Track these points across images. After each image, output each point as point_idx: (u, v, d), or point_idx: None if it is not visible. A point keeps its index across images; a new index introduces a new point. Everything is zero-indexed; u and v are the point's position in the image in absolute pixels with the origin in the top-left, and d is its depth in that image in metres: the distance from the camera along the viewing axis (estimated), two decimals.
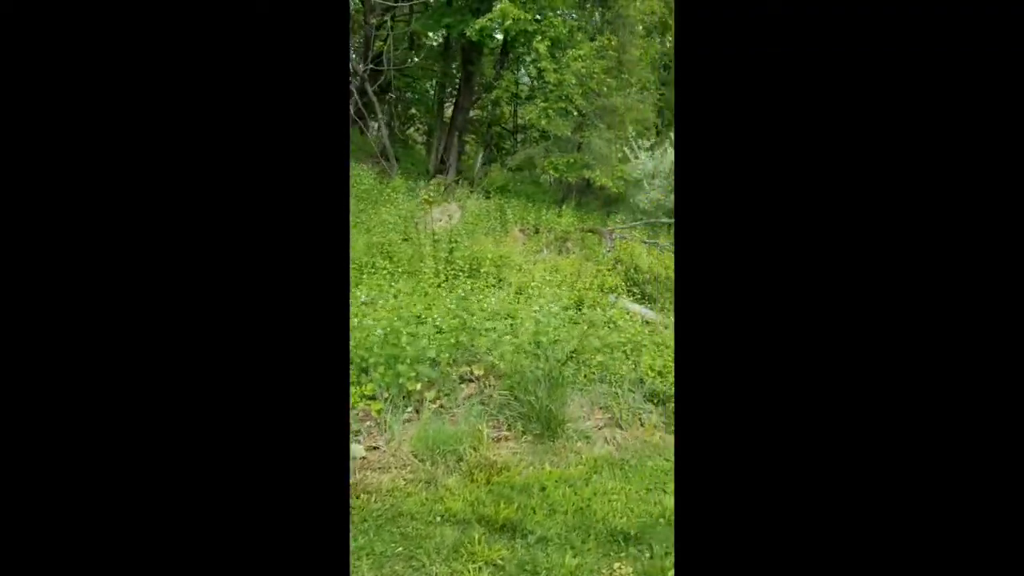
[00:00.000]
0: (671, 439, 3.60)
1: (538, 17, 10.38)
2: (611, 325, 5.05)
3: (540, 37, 9.95)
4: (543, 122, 10.12)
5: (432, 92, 15.59)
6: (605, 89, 10.87)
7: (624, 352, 4.42)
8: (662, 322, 5.58)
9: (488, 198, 12.13)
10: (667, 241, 8.87)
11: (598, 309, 5.96)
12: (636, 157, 10.66)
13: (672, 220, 9.54)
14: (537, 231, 10.11)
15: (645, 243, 8.64)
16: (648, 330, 5.03)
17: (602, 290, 6.35)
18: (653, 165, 10.45)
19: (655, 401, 3.93)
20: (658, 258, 7.75)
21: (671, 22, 15.72)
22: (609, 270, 6.83)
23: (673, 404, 3.83)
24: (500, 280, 6.57)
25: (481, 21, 10.29)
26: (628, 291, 6.41)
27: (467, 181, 12.71)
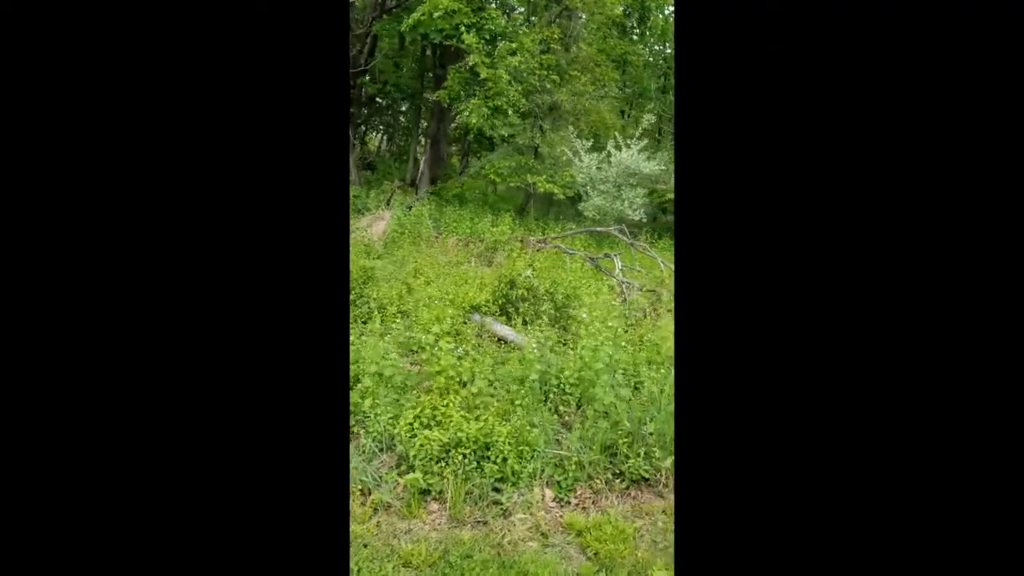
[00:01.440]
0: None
1: (480, 7, 9.70)
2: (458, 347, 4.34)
3: (471, 31, 9.26)
4: (475, 120, 9.40)
5: (410, 101, 15.00)
6: (549, 86, 10.12)
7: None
8: (520, 343, 4.82)
9: (444, 205, 11.54)
10: (610, 252, 8.07)
11: (468, 328, 5.22)
12: (580, 161, 9.87)
13: (612, 228, 8.74)
14: (468, 243, 9.46)
15: (567, 253, 7.85)
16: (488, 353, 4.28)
17: (475, 309, 5.61)
18: (597, 170, 9.64)
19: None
20: (568, 271, 6.96)
21: (633, 21, 14.92)
22: (502, 285, 6.08)
23: None
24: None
25: (415, 15, 9.66)
26: (505, 308, 5.66)
27: (429, 188, 12.10)
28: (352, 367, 4.10)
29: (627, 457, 3.40)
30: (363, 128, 17.49)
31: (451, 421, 3.43)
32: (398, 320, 5.20)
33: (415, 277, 7.36)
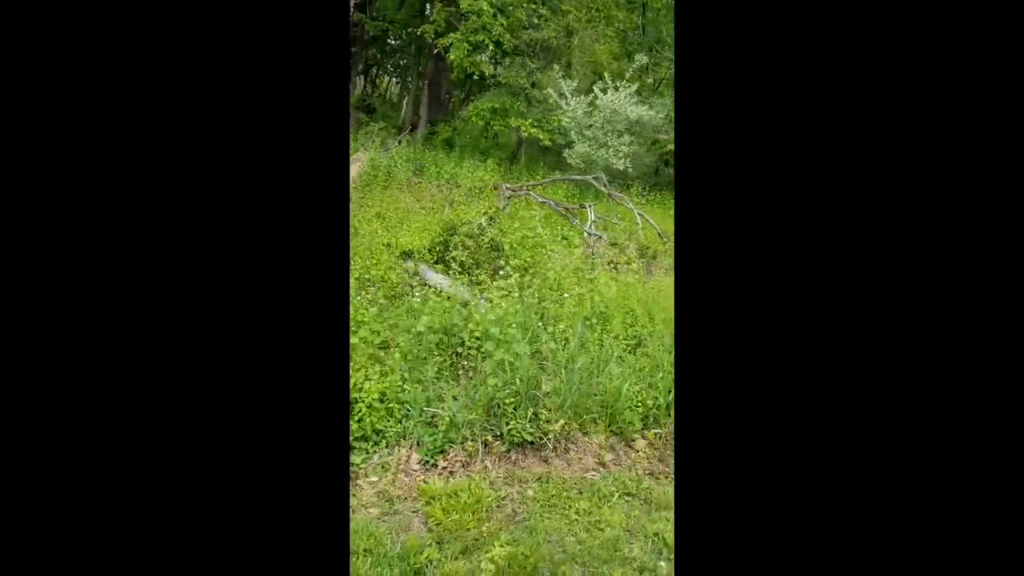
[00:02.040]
0: None
1: None
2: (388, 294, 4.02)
3: None
4: (454, 57, 8.79)
5: (409, 40, 14.27)
6: (538, 22, 9.37)
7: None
8: (448, 292, 4.47)
9: (433, 150, 11.08)
10: (590, 203, 7.57)
11: (393, 274, 4.90)
12: (567, 104, 9.20)
13: (590, 176, 8.18)
14: (447, 189, 9.03)
15: (540, 201, 7.37)
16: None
17: (408, 255, 5.25)
18: (584, 115, 8.98)
19: None
20: (534, 220, 6.51)
21: None
22: (444, 231, 5.69)
23: None
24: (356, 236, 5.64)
25: None
26: (443, 256, 5.28)
27: (425, 131, 11.60)
28: None
29: (511, 418, 3.07)
30: (365, 69, 16.89)
31: None
32: None
33: (376, 220, 7.05)
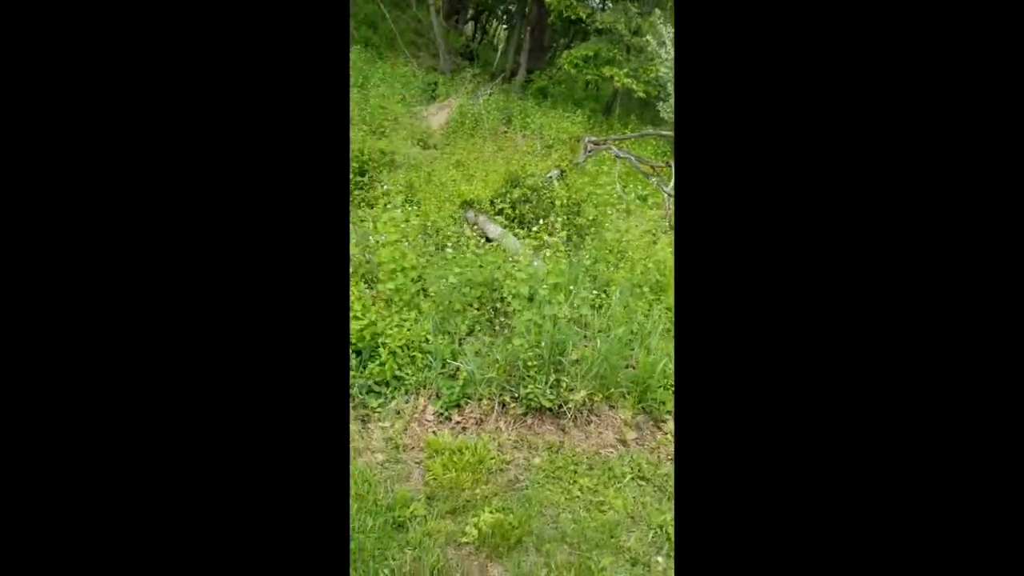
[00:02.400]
0: None
1: None
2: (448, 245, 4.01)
3: None
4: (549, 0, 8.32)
5: None
6: None
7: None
8: (501, 245, 4.36)
9: (527, 99, 10.81)
10: (667, 161, 7.06)
11: (453, 223, 4.86)
12: (667, 53, 8.46)
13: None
14: (534, 139, 8.77)
15: (620, 156, 6.95)
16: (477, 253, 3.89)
17: (469, 204, 5.15)
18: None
19: None
20: (611, 176, 6.15)
21: None
22: (507, 183, 5.52)
23: None
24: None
25: None
26: (503, 209, 5.13)
27: (524, 79, 11.33)
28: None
29: (529, 382, 2.96)
30: (476, 14, 16.61)
31: (355, 313, 3.18)
32: (400, 207, 4.94)
33: (453, 169, 7.02)
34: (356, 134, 6.81)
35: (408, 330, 3.18)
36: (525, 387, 2.96)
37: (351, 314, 3.17)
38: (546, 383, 2.99)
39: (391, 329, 3.13)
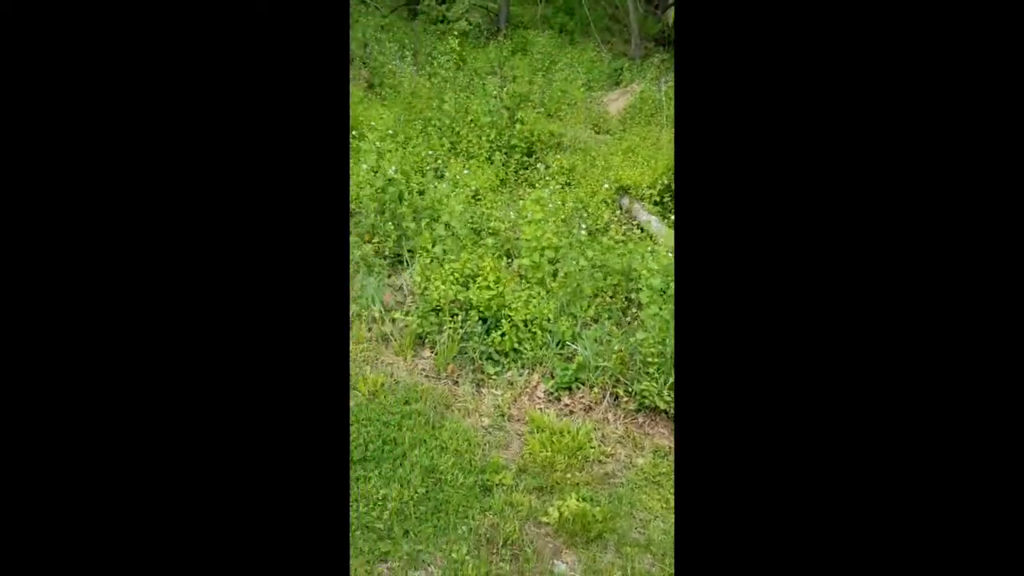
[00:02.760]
0: None
1: None
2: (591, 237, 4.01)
3: None
4: None
5: None
6: None
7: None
8: (661, 234, 4.17)
9: None
10: None
11: (606, 209, 4.77)
12: None
13: None
14: None
15: None
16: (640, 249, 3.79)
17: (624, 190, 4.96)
18: None
19: None
20: None
21: None
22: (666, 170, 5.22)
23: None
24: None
25: None
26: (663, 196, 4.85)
27: None
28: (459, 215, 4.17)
29: (643, 379, 2.79)
30: None
31: (486, 284, 3.29)
32: (551, 188, 5.01)
33: (622, 155, 6.86)
34: (530, 115, 6.97)
35: (534, 307, 3.22)
36: (640, 383, 2.82)
37: (483, 283, 3.30)
38: (664, 383, 2.82)
39: (517, 303, 3.19)
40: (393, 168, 4.35)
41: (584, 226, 4.33)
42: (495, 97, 6.89)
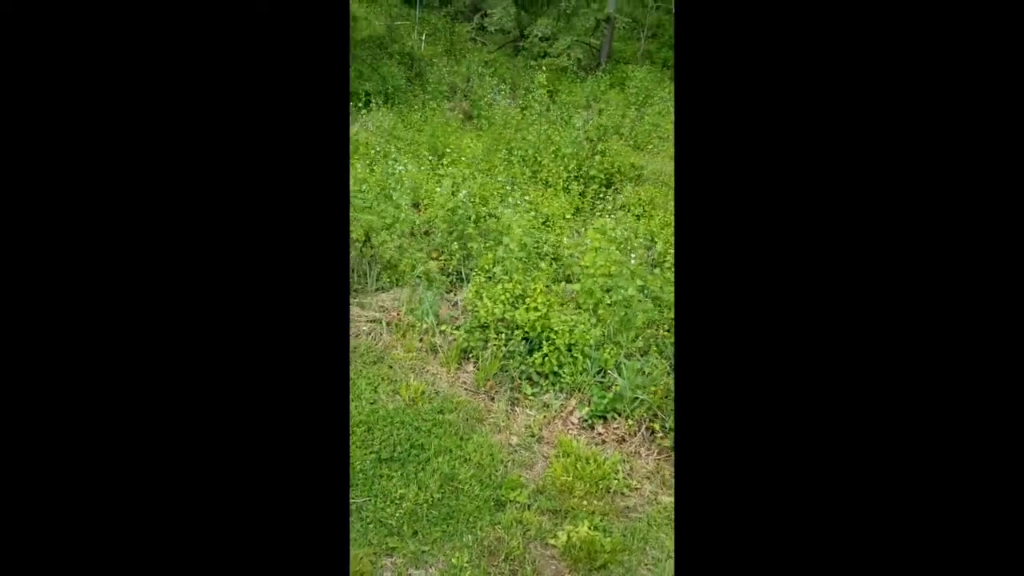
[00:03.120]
0: None
1: None
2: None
3: None
4: None
5: None
6: None
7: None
8: None
9: None
10: None
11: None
12: None
13: None
14: None
15: None
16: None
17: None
18: None
19: None
20: None
21: None
22: None
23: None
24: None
25: None
26: None
27: None
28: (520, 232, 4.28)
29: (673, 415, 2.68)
30: None
31: (534, 305, 3.34)
32: (622, 219, 5.00)
33: None
34: (613, 147, 7.02)
35: (579, 332, 3.22)
36: (670, 419, 2.73)
37: (532, 304, 3.36)
38: None
39: (563, 327, 3.21)
40: (464, 192, 4.58)
41: (635, 256, 4.27)
42: (579, 129, 7.03)
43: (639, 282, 3.32)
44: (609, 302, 3.50)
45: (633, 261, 3.61)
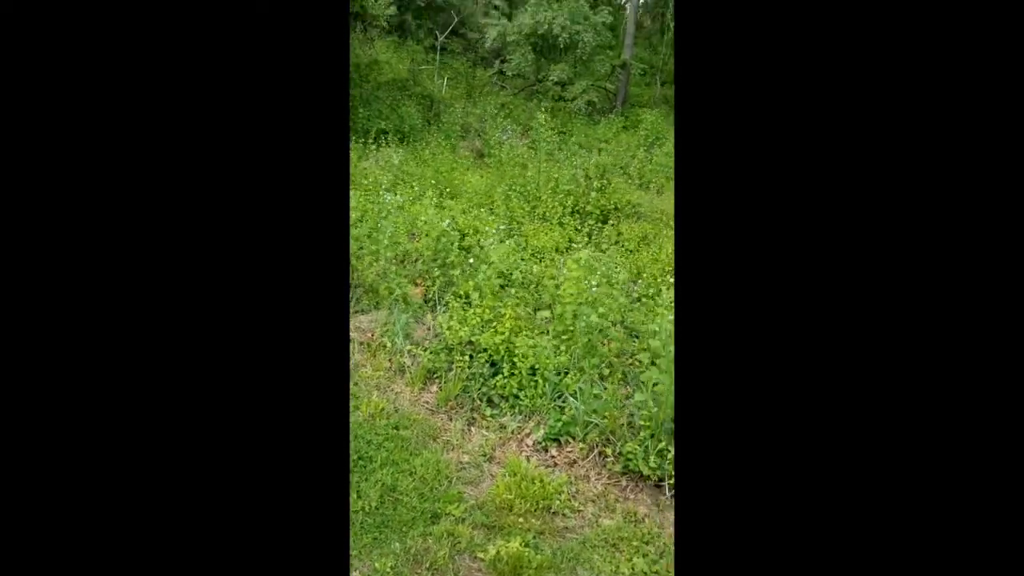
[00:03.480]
0: None
1: None
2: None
3: None
4: None
5: None
6: None
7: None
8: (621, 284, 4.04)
9: None
10: None
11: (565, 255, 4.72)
12: None
13: None
14: None
15: None
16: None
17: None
18: None
19: None
20: None
21: None
22: None
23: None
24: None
25: None
26: None
27: None
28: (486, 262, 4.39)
29: (628, 440, 2.68)
30: None
31: (502, 329, 3.41)
32: (606, 250, 5.08)
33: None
34: (616, 183, 7.16)
35: (545, 357, 3.27)
36: (626, 444, 2.72)
37: (500, 329, 3.43)
38: (652, 448, 2.69)
39: (525, 350, 3.27)
40: (447, 221, 4.75)
41: (616, 287, 4.32)
42: (581, 168, 7.21)
43: (601, 309, 3.36)
44: (575, 329, 3.55)
45: (595, 289, 3.66)
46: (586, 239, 5.82)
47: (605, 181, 6.87)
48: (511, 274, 4.29)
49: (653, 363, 2.98)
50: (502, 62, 12.43)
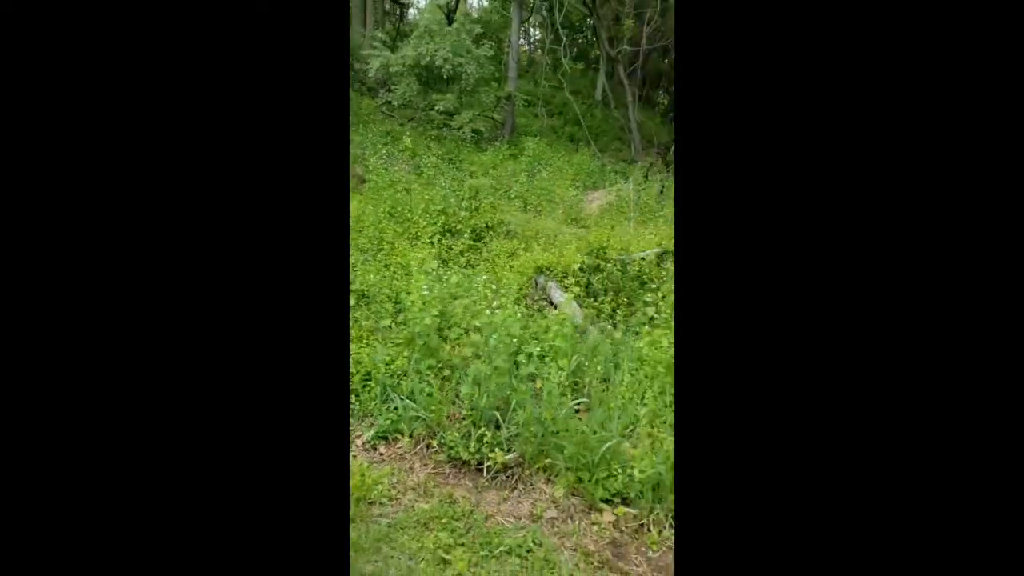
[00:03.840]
0: None
1: None
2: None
3: None
4: None
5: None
6: None
7: None
8: (562, 314, 4.30)
9: None
10: None
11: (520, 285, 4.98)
12: None
13: None
14: None
15: None
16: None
17: (541, 271, 5.16)
18: None
19: None
20: None
21: None
22: (591, 252, 5.42)
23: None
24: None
25: None
26: (581, 279, 5.00)
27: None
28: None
29: (449, 429, 2.84)
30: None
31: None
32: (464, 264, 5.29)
33: (575, 241, 7.16)
34: (490, 203, 7.48)
35: (378, 363, 3.39)
36: (446, 432, 2.88)
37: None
38: (470, 436, 2.86)
39: (364, 359, 3.37)
40: None
41: (472, 294, 4.52)
42: (455, 191, 7.48)
43: (435, 312, 3.54)
44: (414, 335, 3.70)
45: (426, 293, 3.82)
46: (458, 256, 6.03)
47: (477, 202, 7.16)
48: (366, 291, 4.40)
49: (477, 356, 3.18)
50: (388, 91, 12.65)
